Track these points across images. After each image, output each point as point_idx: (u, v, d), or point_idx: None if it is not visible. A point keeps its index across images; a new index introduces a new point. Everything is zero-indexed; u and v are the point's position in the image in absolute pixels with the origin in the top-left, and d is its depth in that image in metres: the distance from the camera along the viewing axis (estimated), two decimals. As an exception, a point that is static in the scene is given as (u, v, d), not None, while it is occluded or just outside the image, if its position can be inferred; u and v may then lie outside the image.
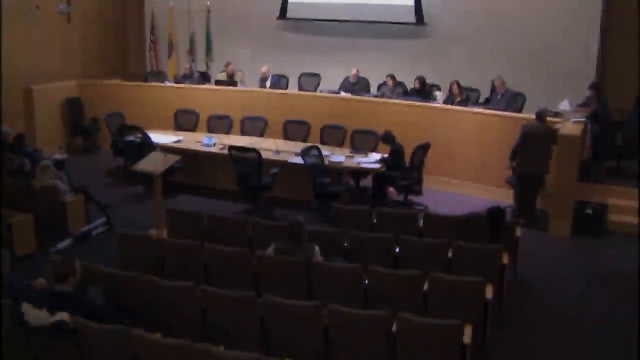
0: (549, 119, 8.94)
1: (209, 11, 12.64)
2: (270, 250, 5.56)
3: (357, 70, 10.81)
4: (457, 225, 6.38)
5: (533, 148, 7.89)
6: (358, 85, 10.75)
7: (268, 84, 11.08)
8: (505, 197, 8.52)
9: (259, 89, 11.03)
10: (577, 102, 9.07)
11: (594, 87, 9.02)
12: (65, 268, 4.59)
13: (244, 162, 8.27)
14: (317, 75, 11.34)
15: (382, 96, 10.41)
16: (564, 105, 8.47)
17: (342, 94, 10.56)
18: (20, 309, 4.40)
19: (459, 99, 9.79)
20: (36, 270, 5.02)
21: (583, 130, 8.34)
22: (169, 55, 13.02)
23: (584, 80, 9.87)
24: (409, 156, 8.44)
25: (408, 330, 4.44)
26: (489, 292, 5.12)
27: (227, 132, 10.02)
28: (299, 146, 8.81)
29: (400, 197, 8.65)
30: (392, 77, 10.42)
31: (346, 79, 10.96)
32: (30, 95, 10.85)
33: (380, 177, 8.46)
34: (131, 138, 9.38)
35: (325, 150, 8.61)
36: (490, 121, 9.10)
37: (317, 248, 5.51)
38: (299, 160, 8.30)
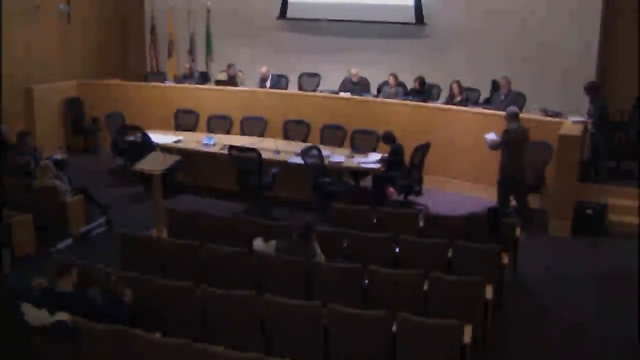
0: (548, 118, 9.00)
1: (209, 11, 12.63)
2: (271, 245, 5.54)
3: (357, 71, 10.81)
4: (457, 225, 6.38)
5: (516, 152, 7.86)
6: (359, 85, 10.74)
7: (268, 84, 11.07)
8: (505, 197, 8.52)
9: (259, 89, 11.03)
10: (576, 107, 9.03)
11: (588, 89, 8.83)
12: (61, 268, 4.60)
13: (244, 162, 8.28)
14: (317, 75, 11.34)
15: (383, 95, 10.41)
16: (491, 136, 8.23)
17: (342, 94, 10.56)
18: (20, 309, 4.40)
19: (459, 98, 9.80)
20: (36, 270, 5.02)
21: (583, 130, 8.35)
22: (169, 55, 13.01)
23: (584, 80, 9.86)
24: (409, 156, 8.44)
25: (408, 330, 4.44)
26: (489, 292, 5.13)
27: (227, 132, 10.02)
28: (299, 146, 8.81)
29: (400, 197, 8.65)
30: (395, 76, 10.41)
31: (346, 79, 10.96)
32: (30, 95, 10.86)
33: (380, 177, 8.46)
34: (131, 138, 9.38)
35: (325, 150, 8.61)
36: (490, 121, 9.08)
37: (318, 248, 5.52)
38: (299, 160, 8.30)
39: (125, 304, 4.73)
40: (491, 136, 8.08)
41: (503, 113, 9.07)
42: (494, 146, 7.98)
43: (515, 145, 7.84)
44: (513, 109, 8.09)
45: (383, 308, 4.53)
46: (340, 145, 9.30)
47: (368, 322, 4.51)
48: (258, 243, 5.70)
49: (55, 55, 11.69)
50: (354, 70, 10.82)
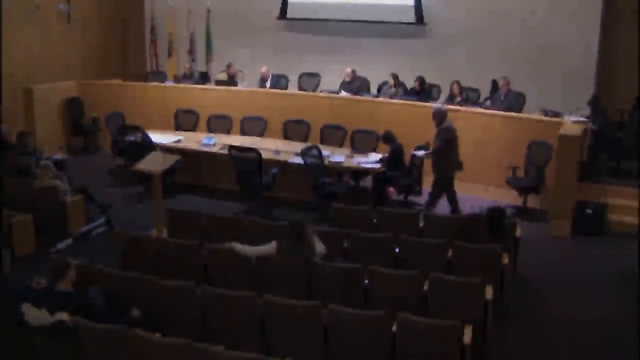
0: (547, 118, 9.01)
1: (209, 11, 12.63)
2: (272, 246, 5.54)
3: (352, 70, 10.77)
4: (457, 225, 6.38)
5: (457, 147, 8.00)
6: (354, 85, 10.71)
7: (268, 84, 11.07)
8: (505, 197, 8.53)
9: (259, 89, 11.03)
10: (576, 107, 9.09)
11: (592, 103, 8.95)
12: (58, 268, 4.60)
13: (244, 162, 8.28)
14: (317, 75, 11.34)
15: (383, 95, 10.40)
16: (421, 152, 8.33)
17: (342, 93, 10.56)
18: (20, 309, 4.40)
19: (459, 99, 9.80)
20: (36, 270, 5.02)
21: (583, 131, 8.36)
22: (169, 55, 13.01)
23: (584, 80, 9.89)
24: (409, 156, 8.43)
25: (408, 330, 4.44)
26: (489, 292, 5.12)
27: (227, 132, 10.02)
28: (299, 146, 8.80)
29: (400, 197, 8.65)
30: (395, 76, 10.40)
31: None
32: (30, 95, 10.85)
33: (380, 177, 8.45)
34: (131, 138, 9.38)
35: (325, 150, 8.61)
36: (490, 121, 9.10)
37: (318, 243, 5.52)
38: (299, 160, 8.30)
39: (130, 317, 4.73)
40: (421, 152, 8.20)
41: (502, 113, 9.14)
42: (436, 151, 7.96)
43: (456, 141, 7.97)
44: (441, 106, 8.20)
45: (383, 308, 4.53)
46: (340, 145, 9.29)
47: (368, 322, 4.51)
48: (237, 245, 5.65)
49: (55, 55, 11.69)
50: (348, 70, 10.78)
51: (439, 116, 7.91)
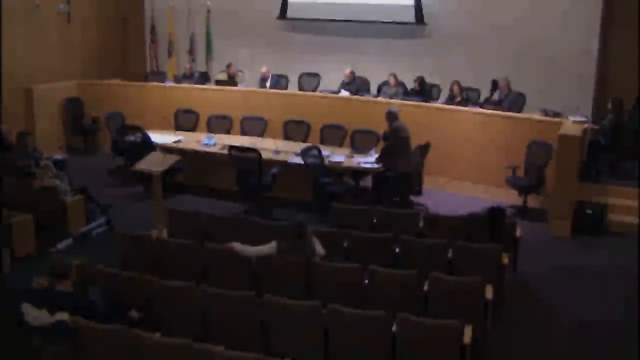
0: (547, 118, 9.01)
1: (209, 11, 12.64)
2: (272, 246, 5.54)
3: (351, 71, 10.76)
4: (457, 225, 6.38)
5: (409, 148, 8.15)
6: (353, 85, 10.71)
7: (268, 84, 11.07)
8: (505, 197, 8.53)
9: (259, 89, 11.03)
10: (576, 107, 9.10)
11: (615, 104, 8.94)
12: (61, 268, 4.60)
13: (244, 162, 8.28)
14: (317, 75, 11.33)
15: (383, 95, 10.40)
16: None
17: (342, 93, 10.55)
18: (20, 309, 4.40)
19: (459, 99, 9.80)
20: (36, 270, 5.02)
21: (583, 131, 8.36)
22: (169, 55, 13.01)
23: (584, 80, 9.88)
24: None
25: (408, 330, 4.44)
26: (489, 292, 5.13)
27: (227, 132, 10.02)
28: (299, 146, 8.81)
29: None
30: (395, 76, 10.41)
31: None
32: (30, 95, 10.87)
33: (381, 177, 8.46)
34: (131, 138, 9.38)
35: (325, 150, 8.60)
36: (490, 121, 9.10)
37: (318, 245, 5.52)
38: (299, 160, 8.30)
39: (128, 320, 4.73)
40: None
41: (502, 113, 9.14)
42: (384, 149, 8.15)
43: (408, 140, 8.14)
44: (393, 107, 8.41)
45: (383, 308, 4.53)
46: (340, 145, 9.29)
47: (368, 322, 4.51)
48: (237, 245, 5.65)
49: (55, 55, 11.69)
50: (347, 70, 10.77)
51: (391, 117, 8.15)
